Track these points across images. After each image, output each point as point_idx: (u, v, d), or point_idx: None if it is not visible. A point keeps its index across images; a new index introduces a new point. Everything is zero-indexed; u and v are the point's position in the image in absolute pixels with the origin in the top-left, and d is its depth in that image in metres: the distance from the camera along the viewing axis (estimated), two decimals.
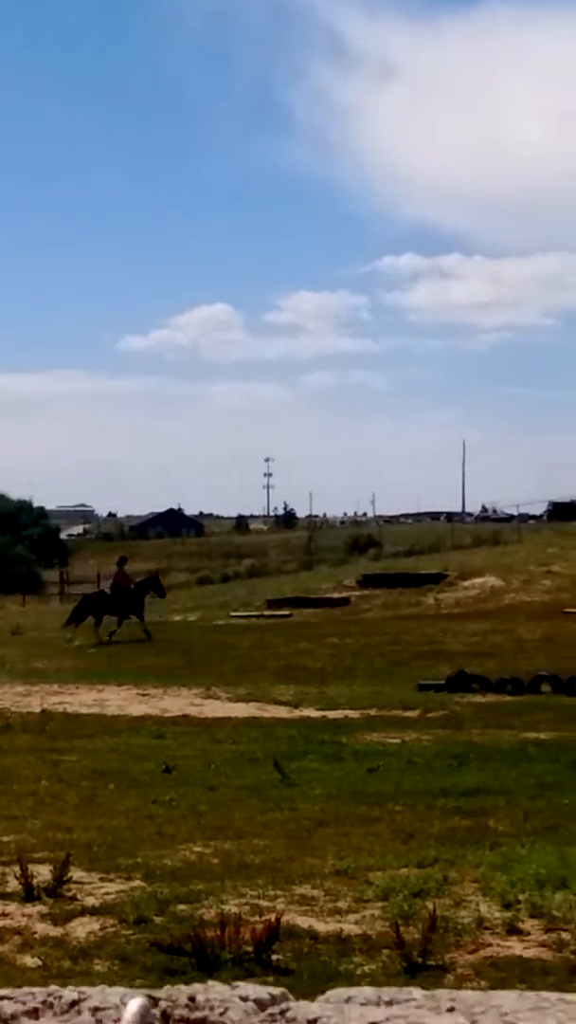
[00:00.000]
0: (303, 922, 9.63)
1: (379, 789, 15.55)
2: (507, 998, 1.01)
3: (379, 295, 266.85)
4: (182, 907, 10.08)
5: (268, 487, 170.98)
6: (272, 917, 9.19)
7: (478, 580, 50.80)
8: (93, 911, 10.09)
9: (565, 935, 9.32)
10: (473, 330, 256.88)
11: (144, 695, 26.86)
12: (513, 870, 10.97)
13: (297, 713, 23.85)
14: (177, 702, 25.63)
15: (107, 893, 10.66)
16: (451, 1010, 0.97)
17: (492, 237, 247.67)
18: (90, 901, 10.40)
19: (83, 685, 28.41)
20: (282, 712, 23.95)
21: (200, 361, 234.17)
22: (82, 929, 9.67)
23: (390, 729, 21.14)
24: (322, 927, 9.55)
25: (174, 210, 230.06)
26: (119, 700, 26.11)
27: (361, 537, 77.97)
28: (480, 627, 39.71)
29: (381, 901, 10.15)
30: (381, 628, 40.49)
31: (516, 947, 9.15)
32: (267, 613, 46.89)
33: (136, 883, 10.99)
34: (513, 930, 9.48)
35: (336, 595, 51.28)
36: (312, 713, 23.72)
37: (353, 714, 23.36)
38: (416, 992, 0.96)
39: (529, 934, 9.42)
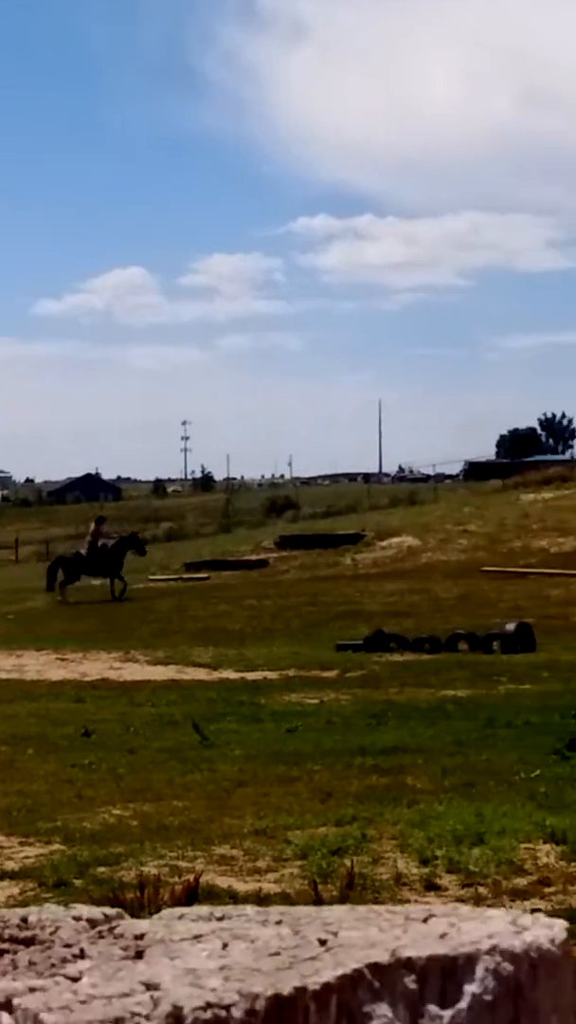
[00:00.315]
0: (222, 882, 9.69)
1: (298, 749, 15.62)
2: (336, 911, 1.03)
3: (293, 257, 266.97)
4: (102, 870, 10.11)
5: (185, 450, 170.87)
6: (191, 877, 9.24)
7: (395, 540, 51.06)
8: (12, 875, 10.09)
9: (482, 889, 9.45)
10: (387, 291, 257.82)
11: (63, 660, 26.79)
12: (431, 827, 11.08)
13: (216, 675, 23.91)
14: (96, 666, 25.60)
15: (26, 857, 10.66)
16: (279, 923, 0.98)
17: (405, 197, 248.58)
18: (9, 865, 10.40)
19: (1, 651, 28.27)
20: (201, 674, 23.99)
21: (115, 325, 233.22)
22: (1, 894, 9.66)
23: (308, 689, 21.24)
24: (241, 886, 9.61)
25: (87, 173, 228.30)
26: (38, 665, 26.03)
27: (278, 499, 78.04)
28: (397, 587, 39.93)
29: (300, 860, 10.23)
30: (299, 589, 40.61)
31: (434, 902, 9.25)
32: (185, 576, 46.88)
33: (56, 847, 10.99)
34: (431, 886, 9.60)
35: (254, 557, 51.36)
36: (231, 675, 23.78)
37: (272, 675, 23.44)
38: (250, 909, 0.98)
39: (447, 889, 9.54)
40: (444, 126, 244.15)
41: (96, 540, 42.26)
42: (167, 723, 17.85)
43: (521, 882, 9.63)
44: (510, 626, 27.06)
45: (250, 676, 23.46)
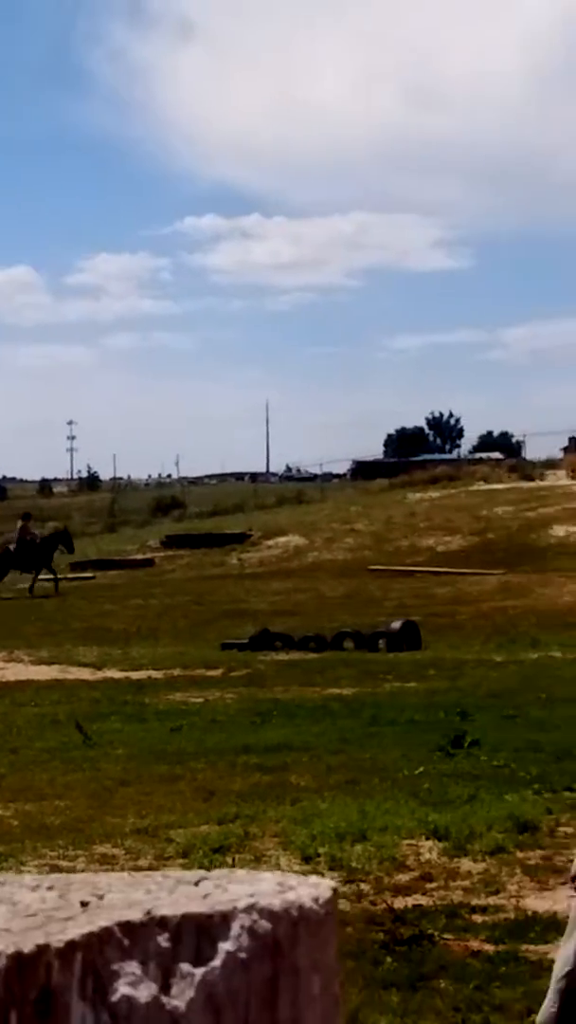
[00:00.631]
0: None
1: (182, 748, 15.55)
2: (111, 877, 0.99)
3: (181, 256, 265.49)
4: None
5: (71, 450, 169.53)
6: None
7: (281, 539, 51.10)
8: None
9: (364, 886, 9.45)
10: (275, 290, 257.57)
11: None
12: (313, 824, 11.07)
13: (100, 674, 23.72)
14: None
15: None
16: (50, 888, 0.93)
17: (292, 197, 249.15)
18: None
19: None
20: (85, 674, 23.79)
21: (1, 324, 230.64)
22: None
23: (193, 688, 21.16)
24: None
25: None
26: None
27: (164, 498, 77.76)
28: (284, 586, 39.96)
29: (181, 858, 10.15)
30: (185, 588, 40.50)
31: None
32: (71, 576, 46.51)
33: None
34: None
35: (140, 556, 51.12)
36: (115, 674, 23.60)
37: (156, 674, 23.31)
38: (28, 877, 0.94)
39: None
40: (332, 126, 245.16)
41: (24, 536, 42.45)
42: (50, 723, 17.66)
43: (403, 878, 9.64)
44: (396, 624, 27.16)
45: (135, 675, 23.30)
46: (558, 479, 60.35)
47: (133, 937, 0.88)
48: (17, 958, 0.83)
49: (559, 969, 3.10)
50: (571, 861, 3.12)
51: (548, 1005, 3.11)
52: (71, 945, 0.85)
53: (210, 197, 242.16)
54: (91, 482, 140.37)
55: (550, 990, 3.11)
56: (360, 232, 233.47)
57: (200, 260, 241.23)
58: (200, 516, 65.35)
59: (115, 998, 0.87)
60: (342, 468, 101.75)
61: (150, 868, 9.98)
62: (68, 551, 44.52)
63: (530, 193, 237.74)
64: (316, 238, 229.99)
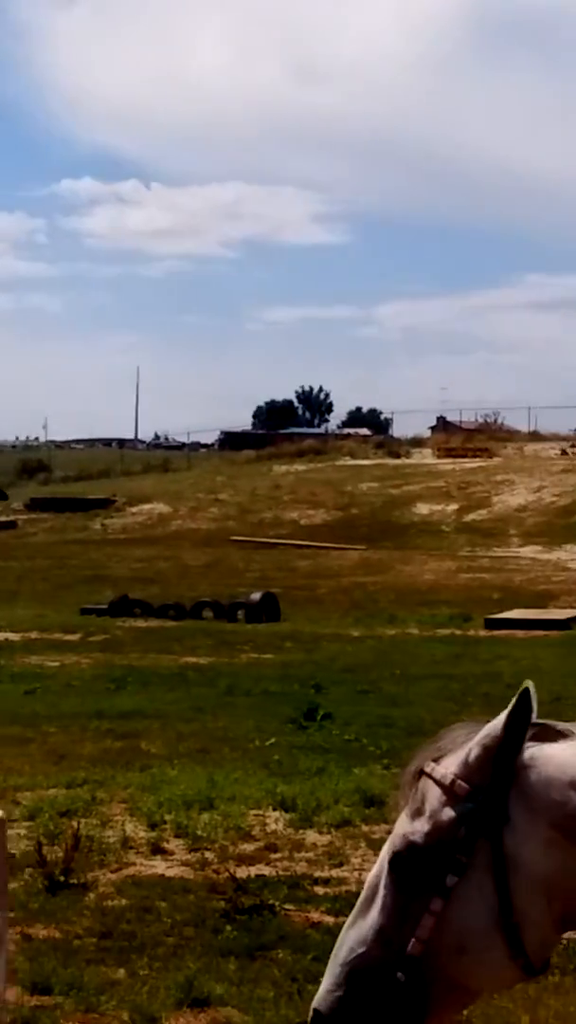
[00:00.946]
0: None
1: (35, 711, 15.45)
2: None
3: (56, 219, 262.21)
4: None
5: None
6: None
7: (146, 506, 50.93)
8: None
9: (208, 854, 9.46)
10: (150, 257, 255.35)
11: None
12: (161, 791, 11.07)
13: None
14: None
15: None
16: None
17: (171, 165, 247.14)
18: None
19: None
20: None
21: None
22: None
23: (50, 652, 21.04)
24: None
25: None
26: None
27: (31, 461, 76.84)
28: (146, 553, 39.86)
29: (27, 821, 10.09)
30: (47, 552, 40.20)
31: (159, 866, 9.24)
32: None
33: None
34: (157, 849, 9.57)
35: (3, 519, 50.57)
36: None
37: (14, 637, 23.12)
38: None
39: (173, 853, 9.53)
40: (213, 95, 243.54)
41: None
42: None
43: (248, 848, 9.67)
44: (255, 595, 27.25)
45: None
46: (424, 457, 60.89)
47: None
48: None
49: (351, 947, 2.93)
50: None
51: (330, 988, 2.86)
52: None
53: (88, 161, 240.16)
54: None
55: (331, 971, 2.87)
56: (237, 203, 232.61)
57: (76, 224, 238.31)
58: (66, 480, 64.76)
59: None
60: (210, 438, 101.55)
61: None
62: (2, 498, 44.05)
63: (409, 172, 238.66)
64: (193, 207, 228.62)
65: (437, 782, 2.86)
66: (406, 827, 2.88)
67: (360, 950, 2.86)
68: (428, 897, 2.81)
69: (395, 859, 2.87)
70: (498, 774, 2.80)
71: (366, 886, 2.94)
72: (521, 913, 2.78)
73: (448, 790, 2.84)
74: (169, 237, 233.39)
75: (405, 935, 2.83)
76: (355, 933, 2.90)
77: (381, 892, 2.89)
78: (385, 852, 2.92)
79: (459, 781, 2.83)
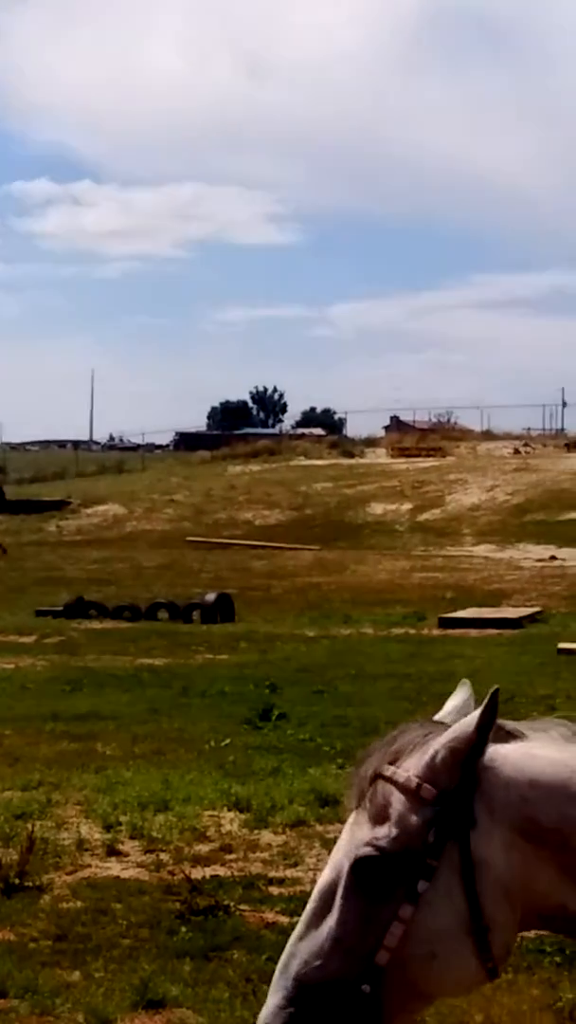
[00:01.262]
0: None
1: None
2: None
3: (9, 220, 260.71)
4: None
5: None
6: None
7: (101, 508, 50.85)
8: None
9: (163, 855, 9.49)
10: (104, 258, 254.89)
11: None
12: (117, 792, 11.09)
13: None
14: None
15: None
16: None
17: (124, 166, 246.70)
18: None
19: None
20: None
21: None
22: None
23: (5, 654, 20.96)
24: None
25: None
26: None
27: None
28: (101, 554, 39.79)
29: None
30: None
31: (114, 868, 9.25)
32: None
33: None
34: (112, 851, 9.59)
35: None
36: None
37: None
38: None
39: (128, 855, 9.55)
40: (167, 95, 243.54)
41: None
42: None
43: (203, 848, 9.70)
44: (210, 596, 27.25)
45: None
46: (377, 457, 61.08)
47: None
48: None
49: (305, 960, 2.75)
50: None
51: (281, 1004, 2.74)
52: None
53: (42, 161, 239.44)
54: None
55: (280, 986, 2.77)
56: (191, 203, 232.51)
57: (29, 224, 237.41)
58: (20, 482, 64.50)
59: None
60: (165, 439, 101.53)
61: None
62: None
63: (362, 174, 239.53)
64: (146, 207, 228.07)
65: (400, 786, 2.82)
66: (369, 833, 2.82)
67: (316, 963, 2.77)
68: (396, 904, 2.77)
69: (359, 866, 2.80)
70: (465, 777, 2.79)
71: (316, 897, 2.85)
72: (489, 916, 2.77)
73: (414, 794, 2.80)
74: (123, 238, 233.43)
75: (369, 944, 2.76)
76: (309, 945, 2.80)
77: (339, 902, 2.81)
78: (342, 860, 2.84)
79: (425, 784, 2.80)
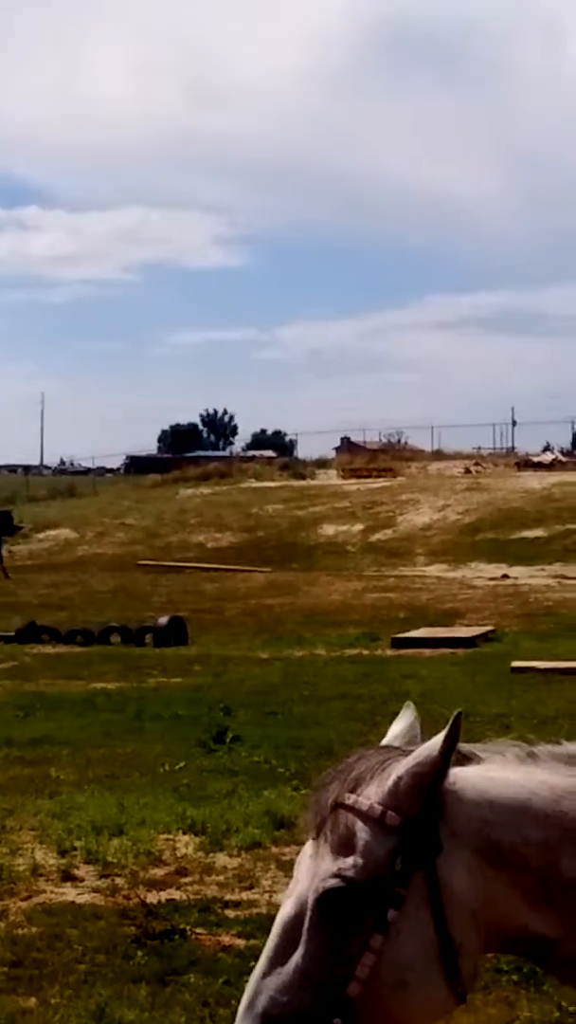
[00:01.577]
0: None
1: None
2: None
3: None
4: None
5: None
6: None
7: (52, 532, 50.72)
8: None
9: (119, 880, 9.45)
10: (52, 283, 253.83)
11: None
12: (71, 817, 11.04)
13: None
14: None
15: None
16: None
17: (72, 190, 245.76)
18: None
19: None
20: None
21: None
22: None
23: None
24: None
25: None
26: None
27: None
28: (53, 579, 39.65)
29: None
30: None
31: (70, 893, 9.21)
32: None
33: None
34: (68, 876, 9.54)
35: None
36: None
37: None
38: None
39: (83, 880, 9.50)
40: (114, 120, 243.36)
41: None
42: None
43: (158, 872, 9.67)
44: (163, 620, 27.20)
45: None
46: (328, 478, 61.19)
47: None
48: None
49: (272, 997, 2.69)
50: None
51: None
52: None
53: None
54: None
55: (245, 1022, 2.73)
56: (139, 227, 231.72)
57: None
58: None
59: None
60: (116, 463, 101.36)
61: None
62: (7, 534, 44.60)
63: (310, 194, 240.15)
64: (95, 232, 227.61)
65: (364, 815, 2.78)
66: (333, 864, 2.77)
67: (284, 999, 2.72)
68: (367, 935, 2.73)
69: (326, 898, 2.75)
70: (428, 802, 2.77)
71: (279, 932, 2.79)
72: (458, 941, 2.75)
73: (378, 822, 2.77)
74: (71, 262, 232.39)
75: (339, 977, 2.72)
76: (275, 981, 2.75)
77: (306, 935, 2.76)
78: (305, 893, 2.79)
79: (390, 812, 2.76)
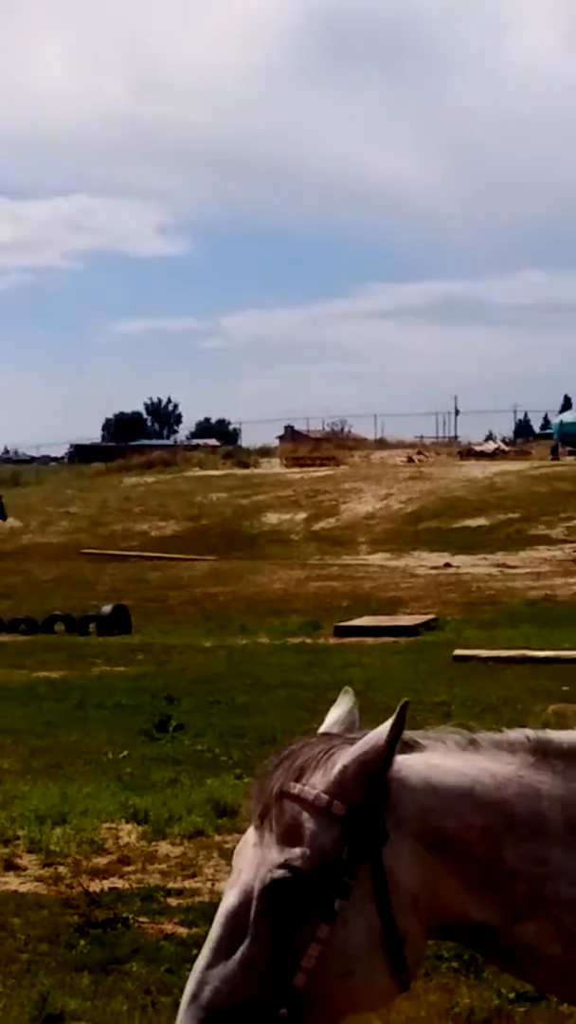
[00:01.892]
0: None
1: None
2: None
3: None
4: None
5: None
6: None
7: None
8: None
9: (62, 869, 9.45)
10: None
11: None
12: (14, 807, 11.02)
13: None
14: None
15: None
16: None
17: (13, 178, 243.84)
18: None
19: None
20: None
21: None
22: None
23: None
24: None
25: None
26: None
27: None
28: None
29: None
30: None
31: (12, 882, 9.20)
32: None
33: None
34: (10, 866, 9.53)
35: None
36: None
37: None
38: None
39: (26, 869, 9.50)
40: (56, 108, 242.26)
41: None
42: None
43: (101, 861, 9.68)
44: (106, 608, 27.17)
45: None
46: (272, 467, 61.20)
47: None
48: None
49: (216, 988, 2.68)
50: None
51: None
52: None
53: None
54: None
55: (190, 1016, 2.71)
56: (81, 215, 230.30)
57: None
58: None
59: None
60: (60, 451, 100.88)
61: None
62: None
63: (253, 182, 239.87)
64: (36, 220, 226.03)
65: (309, 804, 2.77)
66: (279, 855, 2.76)
67: (228, 989, 2.71)
68: (313, 925, 2.72)
69: (272, 888, 2.74)
70: (374, 791, 2.77)
71: (223, 922, 2.77)
72: (402, 930, 2.76)
73: (324, 812, 2.76)
74: (12, 251, 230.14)
75: (285, 967, 2.71)
76: (220, 971, 2.73)
77: (252, 926, 2.74)
78: (251, 883, 2.77)
79: (336, 801, 2.76)
